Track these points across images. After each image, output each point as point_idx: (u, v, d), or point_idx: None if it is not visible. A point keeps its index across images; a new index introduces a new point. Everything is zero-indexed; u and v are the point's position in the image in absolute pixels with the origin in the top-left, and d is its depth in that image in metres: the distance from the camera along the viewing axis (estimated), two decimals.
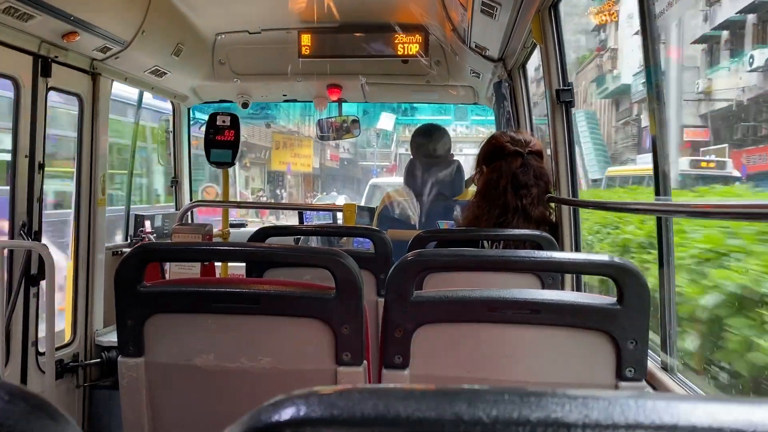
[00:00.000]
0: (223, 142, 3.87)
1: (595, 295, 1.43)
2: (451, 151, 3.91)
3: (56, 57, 3.14)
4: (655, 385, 1.72)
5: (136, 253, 1.45)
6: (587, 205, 2.65)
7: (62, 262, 3.80)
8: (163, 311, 1.46)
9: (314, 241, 4.50)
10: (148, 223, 4.19)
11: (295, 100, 5.10)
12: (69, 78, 3.33)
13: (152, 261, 1.52)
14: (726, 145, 16.76)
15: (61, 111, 4.82)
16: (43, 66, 3.09)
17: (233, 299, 1.44)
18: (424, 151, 3.77)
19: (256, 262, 2.21)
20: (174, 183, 4.80)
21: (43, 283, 3.13)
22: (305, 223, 4.92)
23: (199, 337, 1.46)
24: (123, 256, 1.47)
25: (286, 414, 0.39)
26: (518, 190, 2.45)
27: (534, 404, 0.38)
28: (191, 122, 4.95)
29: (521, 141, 2.53)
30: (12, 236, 3.08)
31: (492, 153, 2.56)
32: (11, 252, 3.06)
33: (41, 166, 3.14)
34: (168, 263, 3.42)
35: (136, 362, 1.47)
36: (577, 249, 2.46)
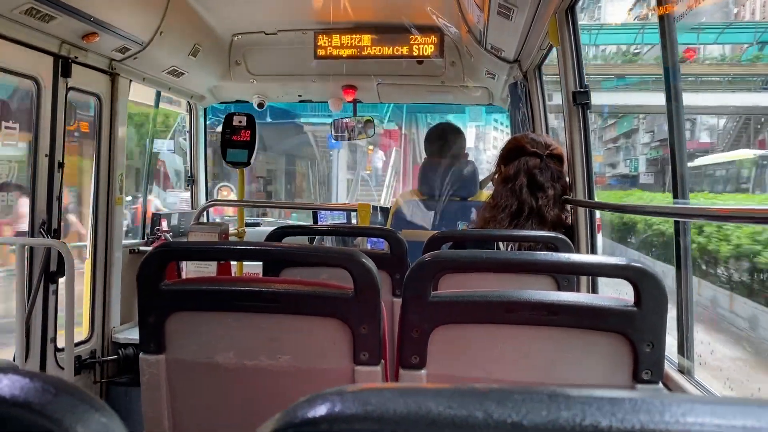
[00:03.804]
0: (239, 142, 3.90)
1: (612, 297, 1.43)
2: (465, 151, 3.91)
3: (76, 57, 3.18)
4: (672, 387, 1.71)
5: (158, 251, 1.47)
6: (604, 207, 2.64)
7: None
8: (184, 309, 1.49)
9: (328, 241, 4.52)
10: (164, 222, 4.23)
11: (310, 101, 5.13)
12: (88, 78, 3.37)
13: (174, 260, 1.54)
14: None
15: None
16: (63, 66, 3.14)
17: (253, 298, 1.45)
18: (439, 151, 3.77)
19: (276, 261, 2.23)
20: (191, 182, 4.83)
21: (62, 281, 3.18)
22: (320, 223, 4.94)
23: (219, 335, 1.48)
24: (145, 255, 1.49)
25: (321, 410, 0.40)
26: (535, 191, 2.45)
27: (563, 404, 0.39)
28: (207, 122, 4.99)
29: (541, 143, 2.53)
30: (32, 234, 3.13)
31: (511, 152, 2.56)
32: (31, 249, 3.11)
33: (61, 165, 3.18)
34: (184, 262, 3.45)
35: (157, 359, 1.50)
36: (593, 252, 2.45)
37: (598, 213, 2.54)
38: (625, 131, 28.86)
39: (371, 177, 18.83)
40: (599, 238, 2.53)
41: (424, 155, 3.85)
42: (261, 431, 0.41)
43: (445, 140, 3.78)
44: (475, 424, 0.38)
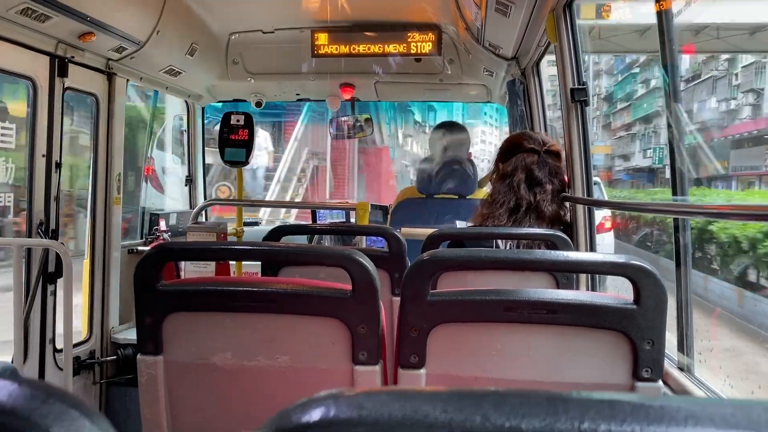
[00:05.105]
0: (237, 141, 3.89)
1: (611, 295, 1.42)
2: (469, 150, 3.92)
3: (73, 57, 3.17)
4: (672, 385, 1.71)
5: (155, 252, 1.47)
6: (603, 204, 2.64)
7: None
8: (182, 310, 1.48)
9: (327, 240, 4.51)
10: (162, 222, 4.23)
11: (308, 99, 5.12)
12: (85, 78, 3.36)
13: (171, 260, 1.53)
14: None
15: None
16: (59, 66, 3.12)
17: (251, 298, 1.45)
18: (444, 148, 3.77)
19: (274, 261, 2.22)
20: (188, 182, 4.82)
21: (60, 281, 3.16)
22: (319, 222, 4.93)
23: (217, 336, 1.47)
24: (142, 256, 1.48)
25: (315, 415, 0.39)
26: (533, 186, 2.45)
27: (561, 408, 0.38)
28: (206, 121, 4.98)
29: (538, 140, 2.53)
30: (29, 235, 3.11)
31: (508, 150, 2.56)
32: (29, 250, 3.10)
33: (58, 166, 3.17)
34: (183, 262, 3.44)
35: (155, 360, 1.49)
36: (592, 249, 2.45)
37: (608, 212, 2.53)
38: (643, 115, 26.44)
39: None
40: (611, 237, 2.52)
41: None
42: None
43: (450, 137, 3.79)
44: (472, 428, 0.37)
